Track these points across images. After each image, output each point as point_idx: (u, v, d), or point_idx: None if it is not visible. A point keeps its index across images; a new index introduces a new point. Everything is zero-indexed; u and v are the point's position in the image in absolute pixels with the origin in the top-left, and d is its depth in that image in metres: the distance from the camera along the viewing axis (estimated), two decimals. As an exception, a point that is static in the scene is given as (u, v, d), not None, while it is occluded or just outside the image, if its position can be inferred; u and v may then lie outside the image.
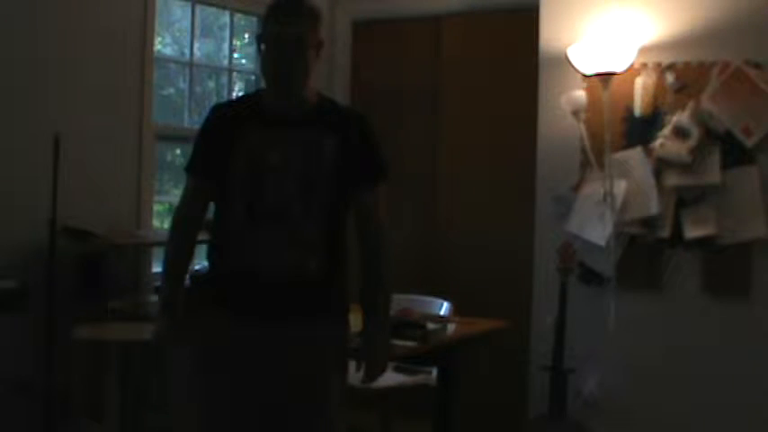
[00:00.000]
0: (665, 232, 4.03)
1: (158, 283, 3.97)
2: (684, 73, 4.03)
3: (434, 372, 3.79)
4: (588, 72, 4.09)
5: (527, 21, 4.47)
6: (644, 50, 4.08)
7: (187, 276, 2.63)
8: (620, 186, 4.07)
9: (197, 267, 3.70)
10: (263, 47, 2.47)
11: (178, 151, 4.82)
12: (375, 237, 2.56)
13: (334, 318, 2.55)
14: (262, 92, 2.64)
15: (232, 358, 2.47)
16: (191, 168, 2.57)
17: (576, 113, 4.17)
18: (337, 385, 2.55)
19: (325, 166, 2.46)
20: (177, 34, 4.83)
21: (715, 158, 3.93)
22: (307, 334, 2.48)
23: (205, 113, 2.62)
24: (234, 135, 2.47)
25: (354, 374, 2.63)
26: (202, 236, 2.64)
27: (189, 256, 2.62)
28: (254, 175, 2.45)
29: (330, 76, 5.13)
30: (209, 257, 2.58)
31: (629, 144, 4.13)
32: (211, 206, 2.60)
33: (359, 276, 2.58)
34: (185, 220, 2.58)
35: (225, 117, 2.56)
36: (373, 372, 2.59)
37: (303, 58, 2.44)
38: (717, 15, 3.97)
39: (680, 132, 3.95)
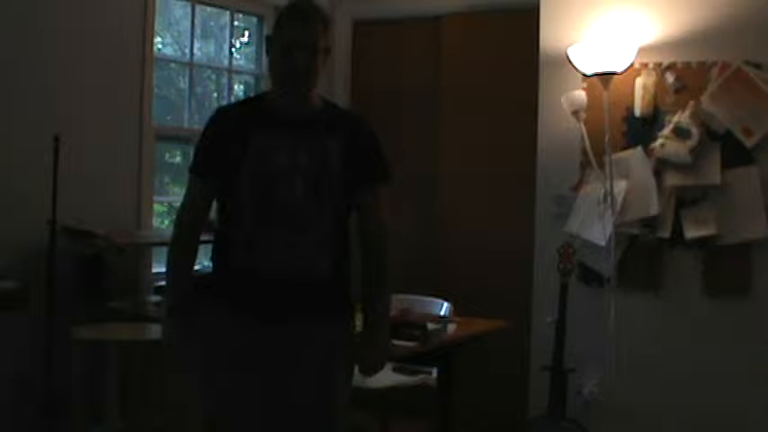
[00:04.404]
0: (665, 232, 4.03)
1: (159, 283, 4.01)
2: (684, 73, 4.03)
3: (434, 372, 3.79)
4: (588, 72, 4.09)
5: (527, 21, 4.47)
6: (644, 50, 4.08)
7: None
8: (621, 186, 4.07)
9: (197, 268, 3.70)
10: (273, 49, 2.48)
11: (178, 151, 4.83)
12: (377, 237, 2.58)
13: (340, 318, 2.57)
14: (266, 94, 2.65)
15: (241, 358, 2.47)
16: (195, 169, 2.56)
17: (576, 113, 4.16)
18: (343, 385, 2.56)
19: (331, 167, 2.48)
20: (177, 34, 4.84)
21: (715, 158, 3.93)
22: (315, 334, 2.49)
23: (206, 115, 2.63)
24: (240, 137, 2.46)
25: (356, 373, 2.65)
26: (205, 237, 2.63)
27: (193, 258, 2.61)
28: (263, 177, 2.45)
29: (330, 76, 5.12)
30: (216, 258, 2.57)
31: (630, 144, 4.13)
32: (215, 207, 2.59)
33: (360, 276, 2.60)
34: (189, 221, 2.57)
35: (230, 119, 2.56)
36: (372, 368, 2.62)
37: (314, 63, 2.45)
38: (717, 15, 3.97)
39: (680, 132, 3.95)
